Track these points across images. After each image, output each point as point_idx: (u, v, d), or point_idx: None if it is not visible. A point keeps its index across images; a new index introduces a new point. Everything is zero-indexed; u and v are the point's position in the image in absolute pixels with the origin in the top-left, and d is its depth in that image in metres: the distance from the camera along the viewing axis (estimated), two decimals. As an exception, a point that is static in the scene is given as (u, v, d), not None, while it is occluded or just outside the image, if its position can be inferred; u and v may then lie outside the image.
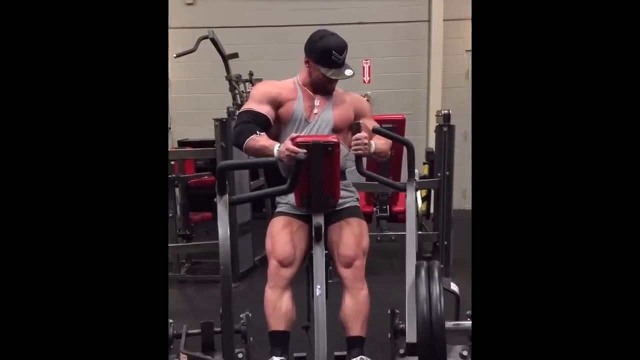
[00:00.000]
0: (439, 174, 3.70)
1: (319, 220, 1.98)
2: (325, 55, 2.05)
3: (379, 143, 2.11)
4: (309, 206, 2.02)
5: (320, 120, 2.12)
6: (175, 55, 3.98)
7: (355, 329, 1.99)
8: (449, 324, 1.70)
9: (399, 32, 5.93)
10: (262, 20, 5.83)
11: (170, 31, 5.52)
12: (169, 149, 4.63)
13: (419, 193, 4.06)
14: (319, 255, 1.96)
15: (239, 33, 5.69)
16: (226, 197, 1.66)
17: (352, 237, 2.05)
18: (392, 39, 5.95)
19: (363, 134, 1.99)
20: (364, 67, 5.94)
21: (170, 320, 1.93)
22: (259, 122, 2.05)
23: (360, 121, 2.08)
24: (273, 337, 1.97)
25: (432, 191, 4.08)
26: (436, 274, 1.69)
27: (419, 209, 4.03)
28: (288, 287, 2.01)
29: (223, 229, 1.62)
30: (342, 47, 2.06)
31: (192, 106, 5.86)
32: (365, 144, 1.99)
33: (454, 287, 1.90)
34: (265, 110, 2.08)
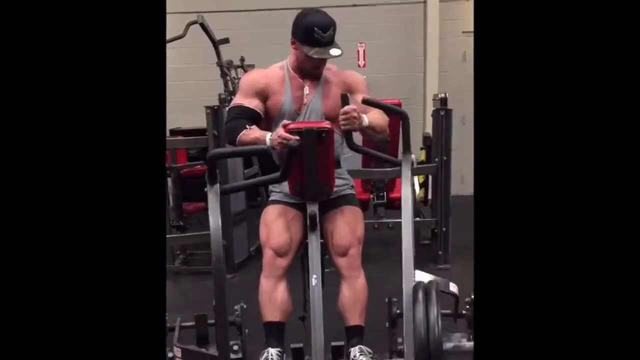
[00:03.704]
0: (436, 160, 3.64)
1: (313, 209, 1.93)
2: (307, 33, 1.94)
3: (374, 117, 1.98)
4: (302, 195, 1.98)
5: (310, 110, 2.05)
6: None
7: (354, 318, 1.95)
8: (447, 346, 1.66)
9: (394, 14, 5.82)
10: (255, 3, 5.72)
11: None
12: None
13: (416, 179, 4.00)
14: (314, 244, 1.93)
15: (231, 17, 5.58)
16: (217, 186, 1.61)
17: (346, 225, 2.01)
18: (387, 22, 5.85)
19: (351, 106, 1.85)
20: (358, 51, 5.85)
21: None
22: (248, 116, 1.99)
23: (349, 95, 1.92)
24: (268, 328, 1.93)
25: (430, 177, 4.02)
26: (434, 296, 1.63)
27: (416, 195, 3.97)
28: (283, 277, 1.97)
29: (214, 219, 1.57)
30: (326, 25, 1.94)
31: (184, 94, 5.76)
32: (355, 117, 1.85)
33: (453, 287, 1.85)
34: (254, 104, 2.02)
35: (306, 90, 2.05)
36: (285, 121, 1.87)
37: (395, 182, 3.91)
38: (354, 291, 1.95)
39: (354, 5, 5.73)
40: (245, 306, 1.92)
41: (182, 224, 3.81)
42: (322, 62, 2.02)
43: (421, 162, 4.04)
